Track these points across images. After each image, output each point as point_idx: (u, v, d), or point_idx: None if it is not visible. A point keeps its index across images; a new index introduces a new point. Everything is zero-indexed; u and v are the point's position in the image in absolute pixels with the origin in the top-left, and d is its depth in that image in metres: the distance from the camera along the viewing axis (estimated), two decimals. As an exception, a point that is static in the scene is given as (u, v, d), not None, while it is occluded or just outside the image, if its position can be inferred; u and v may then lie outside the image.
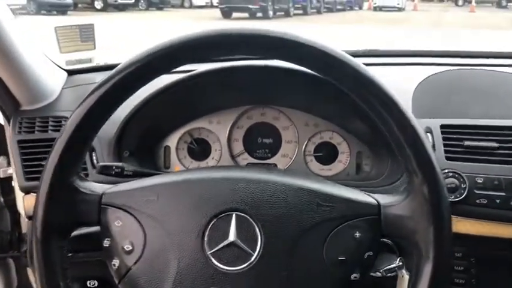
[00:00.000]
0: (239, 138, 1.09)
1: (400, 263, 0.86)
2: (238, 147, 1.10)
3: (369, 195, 0.68)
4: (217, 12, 15.52)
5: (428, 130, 0.97)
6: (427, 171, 0.62)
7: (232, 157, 1.09)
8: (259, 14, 14.90)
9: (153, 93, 0.94)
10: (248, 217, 0.64)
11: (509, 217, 0.90)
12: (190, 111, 1.06)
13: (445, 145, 0.95)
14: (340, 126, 1.06)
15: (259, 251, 0.63)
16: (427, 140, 0.62)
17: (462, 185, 0.90)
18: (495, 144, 0.93)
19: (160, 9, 19.29)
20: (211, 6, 20.60)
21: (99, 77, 1.15)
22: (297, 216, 0.65)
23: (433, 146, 0.95)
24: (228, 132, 1.08)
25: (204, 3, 21.98)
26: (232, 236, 0.63)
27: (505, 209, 0.89)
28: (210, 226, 0.64)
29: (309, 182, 0.68)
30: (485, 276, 0.95)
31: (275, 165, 1.09)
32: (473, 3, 19.18)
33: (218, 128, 1.08)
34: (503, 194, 0.89)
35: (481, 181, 0.90)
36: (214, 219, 0.64)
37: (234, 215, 0.64)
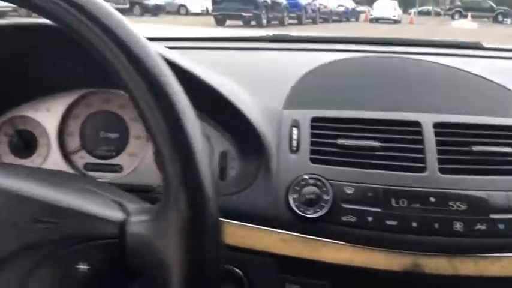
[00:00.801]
0: (75, 131, 0.87)
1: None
2: (74, 142, 0.87)
3: (121, 205, 0.46)
4: (212, 20, 15.38)
5: (295, 124, 0.75)
6: (187, 172, 0.40)
7: (65, 155, 0.86)
8: (253, 22, 14.76)
9: None
10: None
11: (383, 241, 0.67)
12: (4, 93, 0.83)
13: (312, 143, 0.73)
14: (200, 117, 0.83)
15: None
16: (195, 126, 0.41)
17: (325, 196, 0.67)
18: (376, 144, 0.71)
19: (155, 15, 19.15)
20: (207, 13, 20.49)
21: None
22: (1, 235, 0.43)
23: (297, 145, 0.73)
24: (58, 123, 0.86)
25: (200, 11, 21.87)
26: None
27: (378, 230, 0.67)
28: None
29: (28, 183, 0.46)
30: None
31: (120, 166, 0.87)
32: (469, 17, 19.07)
33: (46, 118, 0.86)
34: (378, 210, 0.67)
35: (350, 191, 0.68)
36: None
37: None
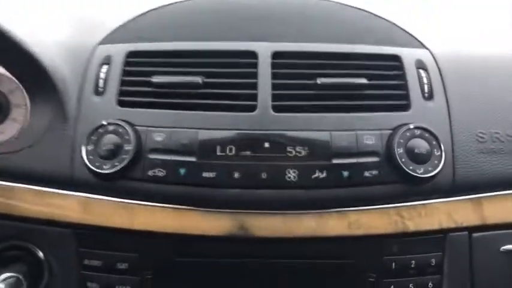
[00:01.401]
0: None
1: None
2: None
3: None
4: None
5: (107, 60, 0.60)
6: None
7: None
8: None
9: None
10: None
11: (201, 199, 0.53)
12: None
13: (123, 83, 0.58)
14: (11, 63, 0.67)
15: None
16: None
17: (126, 146, 0.53)
18: (199, 80, 0.57)
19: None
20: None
21: None
22: None
23: (104, 86, 0.58)
24: None
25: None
26: None
27: (194, 185, 0.52)
28: None
29: None
30: None
31: None
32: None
33: None
34: (194, 159, 0.53)
35: (160, 138, 0.53)
36: None
37: None
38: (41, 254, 0.56)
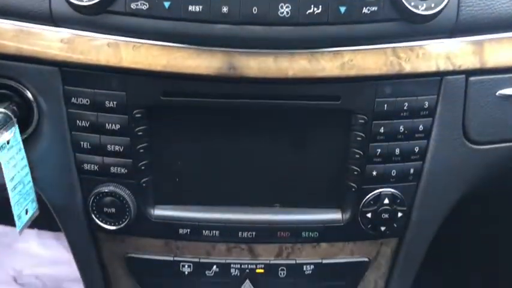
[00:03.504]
0: None
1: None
2: None
3: None
4: None
5: None
6: None
7: None
8: None
9: None
10: None
11: (188, 35, 0.49)
12: None
13: None
14: None
15: None
16: None
17: None
18: None
19: None
20: None
21: None
22: None
23: None
24: None
25: None
26: None
27: (180, 19, 0.48)
28: None
29: None
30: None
31: None
32: None
33: None
34: None
35: None
36: None
37: None
38: (29, 93, 0.55)
